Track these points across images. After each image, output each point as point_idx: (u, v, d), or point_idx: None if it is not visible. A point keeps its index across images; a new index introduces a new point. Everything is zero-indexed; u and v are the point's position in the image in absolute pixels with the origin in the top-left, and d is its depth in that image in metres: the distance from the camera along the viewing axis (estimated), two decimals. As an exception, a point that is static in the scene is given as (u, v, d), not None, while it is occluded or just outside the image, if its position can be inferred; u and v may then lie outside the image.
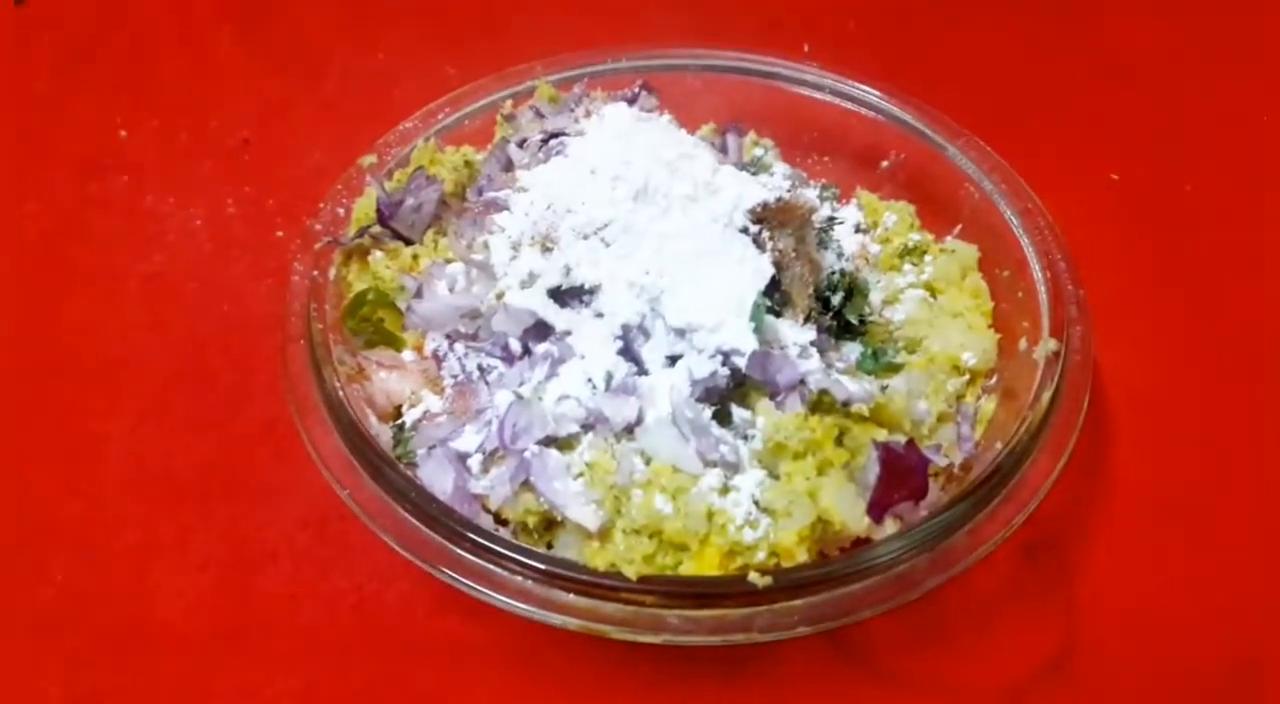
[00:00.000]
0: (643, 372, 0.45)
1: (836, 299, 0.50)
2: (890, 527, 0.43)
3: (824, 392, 0.44)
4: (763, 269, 0.45)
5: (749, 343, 0.44)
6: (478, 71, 0.56)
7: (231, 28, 0.67)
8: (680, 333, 0.45)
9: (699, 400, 0.44)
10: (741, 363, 0.44)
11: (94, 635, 0.45)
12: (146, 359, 0.53)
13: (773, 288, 0.45)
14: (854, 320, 0.50)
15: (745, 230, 0.45)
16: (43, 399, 0.52)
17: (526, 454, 0.42)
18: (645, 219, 0.45)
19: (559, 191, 0.46)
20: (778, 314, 0.46)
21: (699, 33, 0.66)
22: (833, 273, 0.50)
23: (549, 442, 0.43)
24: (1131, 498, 0.50)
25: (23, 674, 0.45)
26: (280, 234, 0.57)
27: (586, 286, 0.45)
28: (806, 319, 0.47)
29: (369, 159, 0.50)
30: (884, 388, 0.46)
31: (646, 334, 0.45)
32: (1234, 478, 0.51)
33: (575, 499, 0.42)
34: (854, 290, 0.50)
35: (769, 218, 0.46)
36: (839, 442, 0.44)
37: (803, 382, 0.44)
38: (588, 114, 0.51)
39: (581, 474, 0.42)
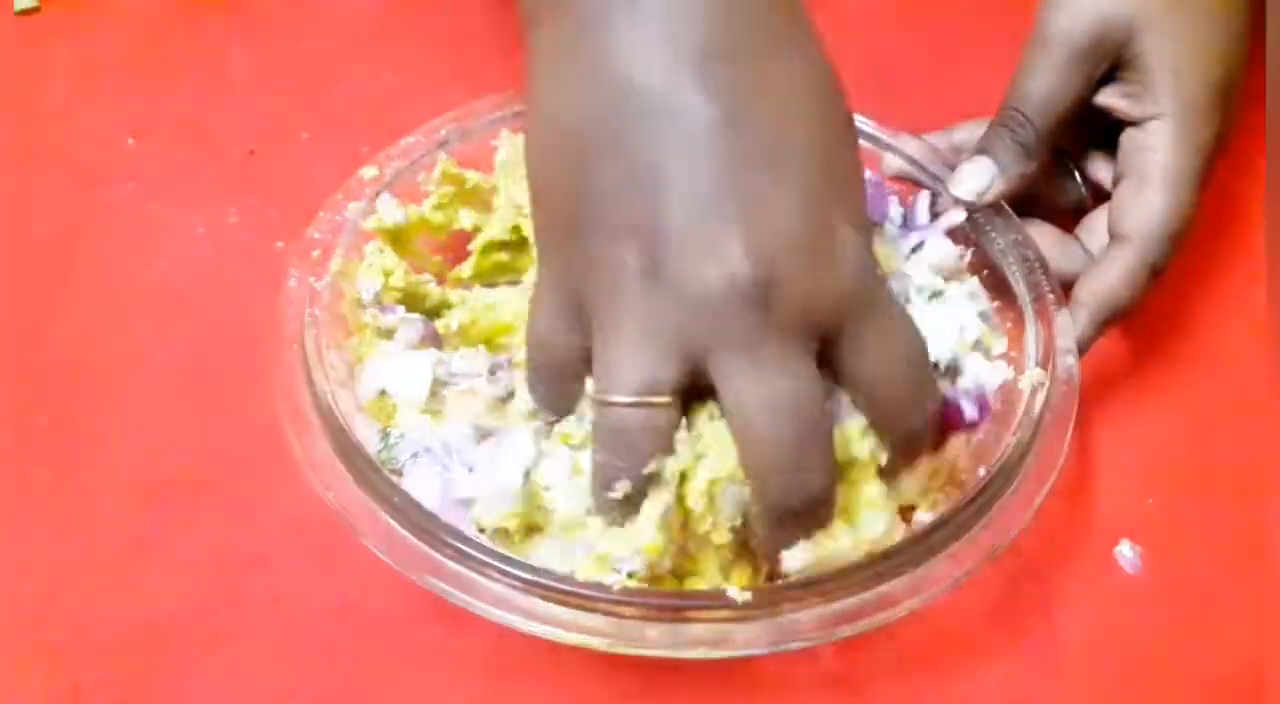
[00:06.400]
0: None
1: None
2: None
3: None
4: None
5: None
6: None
7: (242, 42, 0.68)
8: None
9: None
10: None
11: (76, 632, 0.46)
12: (144, 362, 0.54)
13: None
14: None
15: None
16: (39, 398, 0.53)
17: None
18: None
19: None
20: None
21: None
22: None
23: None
24: (1116, 531, 0.50)
25: (3, 668, 0.45)
26: (280, 244, 0.57)
27: None
28: None
29: (369, 171, 0.51)
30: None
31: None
32: (1221, 513, 0.51)
33: (558, 507, 0.42)
34: None
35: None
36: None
37: None
38: None
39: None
